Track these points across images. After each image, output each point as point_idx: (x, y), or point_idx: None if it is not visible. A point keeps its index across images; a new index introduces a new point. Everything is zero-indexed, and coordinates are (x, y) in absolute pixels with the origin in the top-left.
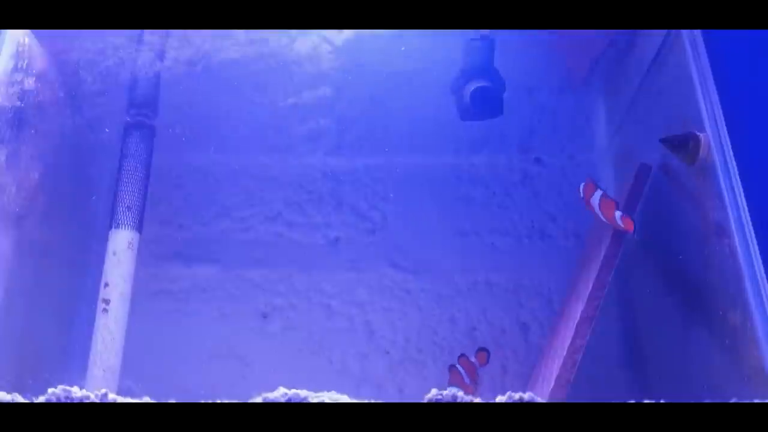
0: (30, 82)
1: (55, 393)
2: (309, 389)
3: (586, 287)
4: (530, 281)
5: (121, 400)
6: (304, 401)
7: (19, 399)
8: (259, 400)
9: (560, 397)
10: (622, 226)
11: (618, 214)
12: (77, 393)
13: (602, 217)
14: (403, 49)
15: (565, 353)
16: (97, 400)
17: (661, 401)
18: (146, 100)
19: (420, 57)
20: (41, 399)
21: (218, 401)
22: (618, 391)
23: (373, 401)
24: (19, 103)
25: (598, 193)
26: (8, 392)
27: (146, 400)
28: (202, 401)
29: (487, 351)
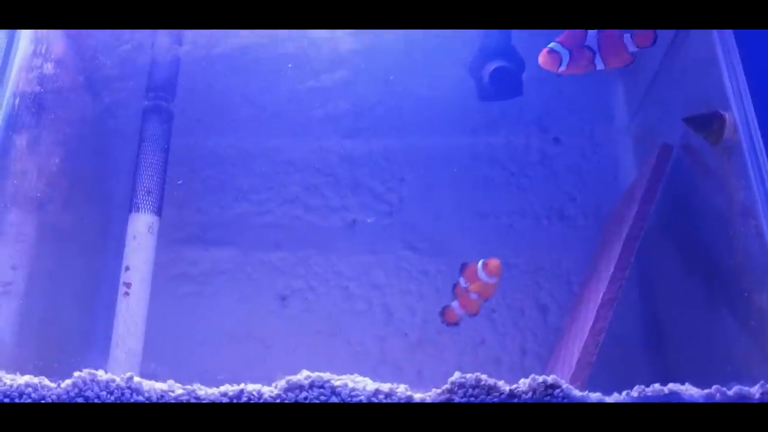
0: (49, 67)
1: (81, 376)
2: (329, 371)
3: (607, 269)
4: (549, 263)
5: (146, 382)
6: (327, 383)
7: (46, 382)
8: (283, 383)
9: (581, 380)
10: None
11: None
12: (103, 376)
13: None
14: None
15: (586, 335)
16: (123, 384)
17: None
18: (164, 83)
19: (437, 36)
20: (67, 382)
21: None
22: (639, 373)
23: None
24: (39, 89)
25: None
26: (35, 376)
27: (171, 382)
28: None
29: None
